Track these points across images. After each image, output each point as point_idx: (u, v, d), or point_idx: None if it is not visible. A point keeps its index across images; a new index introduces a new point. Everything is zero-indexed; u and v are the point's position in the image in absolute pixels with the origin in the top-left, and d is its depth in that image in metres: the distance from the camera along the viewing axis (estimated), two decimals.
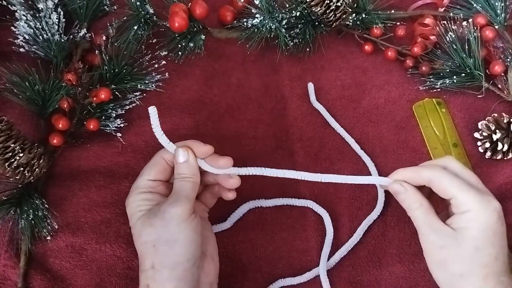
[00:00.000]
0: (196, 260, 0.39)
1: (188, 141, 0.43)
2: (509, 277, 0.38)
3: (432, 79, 0.55)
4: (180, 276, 0.38)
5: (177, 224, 0.38)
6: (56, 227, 0.48)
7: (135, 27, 0.54)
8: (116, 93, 0.52)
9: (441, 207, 0.43)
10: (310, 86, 0.55)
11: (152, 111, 0.41)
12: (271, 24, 0.54)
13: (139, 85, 0.53)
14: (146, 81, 0.53)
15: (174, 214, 0.38)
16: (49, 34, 0.51)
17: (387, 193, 0.50)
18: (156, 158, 0.43)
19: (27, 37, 0.51)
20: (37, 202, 0.47)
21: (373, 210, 0.50)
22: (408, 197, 0.41)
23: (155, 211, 0.39)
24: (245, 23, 0.56)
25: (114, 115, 0.52)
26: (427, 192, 0.43)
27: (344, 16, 0.54)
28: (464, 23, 0.54)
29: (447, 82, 0.54)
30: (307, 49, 0.57)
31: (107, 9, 0.57)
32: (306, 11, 0.55)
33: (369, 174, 0.51)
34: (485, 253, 0.38)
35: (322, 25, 0.56)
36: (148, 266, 0.39)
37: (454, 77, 0.54)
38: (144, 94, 0.54)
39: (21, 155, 0.43)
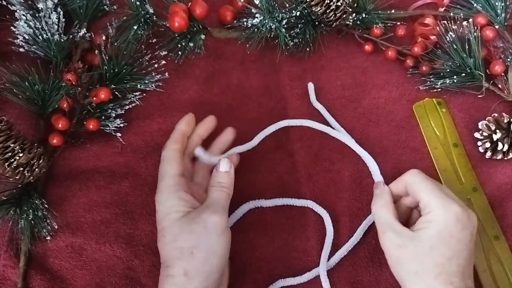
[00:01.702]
0: (224, 271, 0.41)
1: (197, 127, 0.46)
2: (461, 280, 0.38)
3: (432, 79, 0.55)
4: (210, 286, 0.39)
5: (218, 235, 0.39)
6: (56, 227, 0.48)
7: (135, 27, 0.54)
8: (116, 93, 0.52)
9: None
10: (310, 86, 0.55)
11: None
12: (271, 24, 0.54)
13: (139, 85, 0.53)
14: (146, 81, 0.53)
15: (217, 224, 0.39)
16: (49, 34, 0.51)
17: None
18: (169, 153, 0.44)
19: (26, 37, 0.52)
20: (36, 202, 0.47)
21: None
22: (379, 194, 0.44)
23: (195, 217, 0.39)
24: (245, 23, 0.56)
25: (113, 115, 0.52)
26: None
27: (344, 16, 0.54)
28: (465, 23, 0.54)
29: (448, 82, 0.54)
30: (307, 49, 0.57)
31: (107, 9, 0.57)
32: (306, 11, 0.55)
33: (369, 174, 0.51)
34: (439, 253, 0.39)
35: (322, 25, 0.56)
36: (179, 272, 0.38)
37: (455, 77, 0.54)
38: (144, 94, 0.54)
39: (20, 155, 0.43)
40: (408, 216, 0.46)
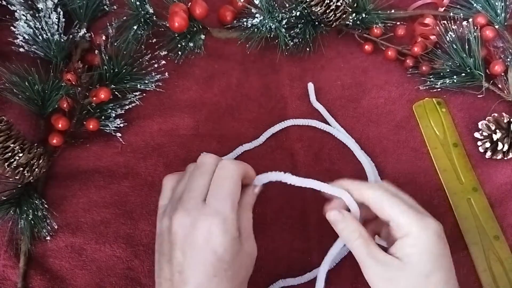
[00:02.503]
0: None
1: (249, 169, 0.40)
2: None
3: (432, 79, 0.55)
4: None
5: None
6: (56, 227, 0.48)
7: (135, 27, 0.54)
8: (116, 93, 0.52)
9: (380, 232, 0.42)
10: (310, 86, 0.55)
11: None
12: (271, 24, 0.54)
13: (138, 85, 0.53)
14: (146, 81, 0.53)
15: None
16: (49, 34, 0.51)
17: None
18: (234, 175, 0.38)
19: (26, 37, 0.52)
20: (36, 202, 0.47)
21: None
22: (347, 227, 0.39)
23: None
24: (245, 23, 0.56)
25: (113, 115, 0.52)
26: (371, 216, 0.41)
27: (344, 16, 0.54)
28: (464, 23, 0.54)
29: (447, 82, 0.54)
30: (307, 49, 0.57)
31: (107, 9, 0.57)
32: (306, 11, 0.55)
33: (366, 176, 0.51)
34: (436, 280, 0.36)
35: (322, 25, 0.56)
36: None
37: (454, 77, 0.54)
38: (144, 94, 0.54)
39: (20, 155, 0.43)
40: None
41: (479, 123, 0.53)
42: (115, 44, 0.53)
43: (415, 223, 0.37)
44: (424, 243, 0.36)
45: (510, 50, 0.54)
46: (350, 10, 0.55)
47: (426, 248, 0.36)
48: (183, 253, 0.35)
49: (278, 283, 0.46)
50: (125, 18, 0.54)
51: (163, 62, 0.55)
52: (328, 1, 0.52)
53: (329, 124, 0.54)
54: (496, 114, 0.52)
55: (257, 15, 0.54)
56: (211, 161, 0.38)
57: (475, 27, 0.53)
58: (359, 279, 0.47)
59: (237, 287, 0.37)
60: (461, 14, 0.57)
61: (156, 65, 0.54)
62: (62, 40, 0.52)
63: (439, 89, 0.55)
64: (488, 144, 0.51)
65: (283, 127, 0.53)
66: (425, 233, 0.36)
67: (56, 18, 0.51)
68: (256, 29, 0.55)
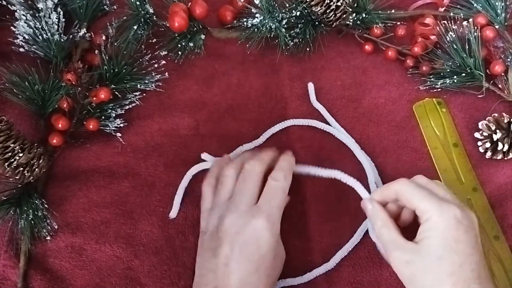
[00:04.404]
0: None
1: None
2: (480, 284, 0.37)
3: (432, 79, 0.55)
4: None
5: None
6: (56, 227, 0.48)
7: (135, 27, 0.54)
8: (116, 93, 0.52)
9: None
10: (310, 86, 0.55)
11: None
12: (271, 24, 0.54)
13: (138, 85, 0.53)
14: (146, 81, 0.53)
15: None
16: (49, 34, 0.51)
17: None
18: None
19: (26, 37, 0.52)
20: (36, 202, 0.47)
21: None
22: (374, 215, 0.43)
23: None
24: (245, 23, 0.56)
25: (113, 115, 0.52)
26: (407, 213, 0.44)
27: (344, 15, 0.54)
28: (465, 22, 0.54)
29: (448, 82, 0.54)
30: (307, 49, 0.57)
31: (107, 8, 0.57)
32: (306, 11, 0.55)
33: (366, 176, 0.51)
34: (449, 262, 0.37)
35: (322, 25, 0.56)
36: None
37: (455, 77, 0.54)
38: (144, 94, 0.54)
39: (20, 155, 0.43)
40: (400, 218, 0.45)
41: (479, 123, 0.53)
42: (115, 44, 0.53)
43: (434, 208, 0.39)
44: (440, 227, 0.38)
45: (510, 50, 0.54)
46: (350, 10, 0.55)
47: (442, 232, 0.38)
48: (231, 248, 0.40)
49: (278, 283, 0.46)
50: (125, 18, 0.54)
51: (163, 62, 0.55)
52: (328, 1, 0.52)
53: (329, 124, 0.54)
54: (496, 114, 0.52)
55: (257, 15, 0.54)
56: (259, 170, 0.44)
57: (475, 27, 0.53)
58: (359, 279, 0.47)
59: (272, 284, 0.42)
60: (462, 14, 0.57)
61: (156, 65, 0.54)
62: (62, 40, 0.52)
63: (439, 89, 0.55)
64: (488, 144, 0.51)
65: (283, 127, 0.53)
66: (443, 218, 0.38)
67: (56, 18, 0.51)
68: (256, 29, 0.55)
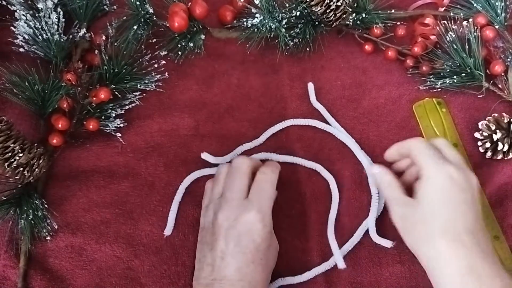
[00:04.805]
0: None
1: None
2: (472, 239, 0.38)
3: (432, 79, 0.55)
4: None
5: None
6: (56, 227, 0.48)
7: (135, 27, 0.54)
8: (116, 93, 0.52)
9: None
10: (310, 86, 0.55)
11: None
12: (271, 24, 0.54)
13: (138, 85, 0.53)
14: (146, 81, 0.53)
15: None
16: (49, 34, 0.51)
17: None
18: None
19: (26, 37, 0.51)
20: (36, 202, 0.47)
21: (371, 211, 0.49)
22: (381, 178, 0.45)
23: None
24: (245, 23, 0.56)
25: (113, 115, 0.52)
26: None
27: (344, 15, 0.54)
28: (465, 22, 0.54)
29: (448, 82, 0.54)
30: (307, 49, 0.57)
31: (107, 9, 0.57)
32: (306, 11, 0.55)
33: (366, 175, 0.51)
34: (441, 215, 0.39)
35: (322, 24, 0.56)
36: None
37: (455, 77, 0.54)
38: (144, 94, 0.54)
39: (20, 155, 0.43)
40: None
41: (479, 123, 0.53)
42: (115, 44, 0.52)
43: (432, 166, 0.41)
44: (435, 184, 0.40)
45: (510, 50, 0.54)
46: (350, 10, 0.55)
47: (436, 189, 0.40)
48: (226, 243, 0.41)
49: (277, 281, 0.46)
50: (125, 18, 0.54)
51: (163, 62, 0.55)
52: (328, 1, 0.52)
53: (329, 124, 0.54)
54: (496, 114, 0.52)
55: (257, 15, 0.54)
56: (248, 164, 0.45)
57: (475, 27, 0.53)
58: (359, 279, 0.47)
59: (267, 275, 0.43)
60: (461, 14, 0.57)
61: (156, 65, 0.54)
62: (62, 40, 0.52)
63: (439, 89, 0.55)
64: (488, 144, 0.51)
65: (283, 127, 0.53)
66: (439, 176, 0.40)
67: (56, 18, 0.51)
68: (256, 29, 0.55)
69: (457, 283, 0.38)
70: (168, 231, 0.48)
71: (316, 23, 0.56)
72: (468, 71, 0.53)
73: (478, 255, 0.38)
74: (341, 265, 0.46)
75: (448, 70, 0.54)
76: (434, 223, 0.40)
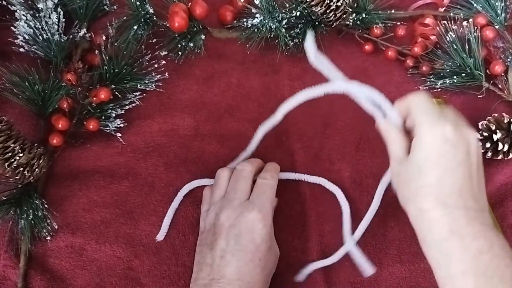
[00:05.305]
0: None
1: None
2: (457, 200, 0.37)
3: (432, 79, 0.55)
4: None
5: None
6: (56, 227, 0.48)
7: (135, 27, 0.54)
8: (116, 93, 0.52)
9: None
10: (309, 38, 0.44)
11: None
12: (271, 24, 0.54)
13: (139, 85, 0.53)
14: (146, 81, 0.53)
15: None
16: (49, 34, 0.51)
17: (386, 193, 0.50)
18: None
19: (27, 37, 0.51)
20: (37, 202, 0.47)
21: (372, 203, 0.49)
22: (386, 132, 0.43)
23: None
24: (245, 23, 0.56)
25: (114, 115, 0.52)
26: None
27: (344, 16, 0.54)
28: (465, 23, 0.54)
29: (448, 82, 0.54)
30: None
31: (107, 9, 0.57)
32: (306, 11, 0.55)
33: (369, 174, 0.51)
34: (427, 174, 0.38)
35: (322, 25, 0.56)
36: None
37: (455, 77, 0.54)
38: (144, 94, 0.54)
39: (21, 155, 0.43)
40: None
41: (479, 124, 0.53)
42: (115, 44, 0.53)
43: (426, 123, 0.38)
44: (426, 141, 0.38)
45: (510, 50, 0.54)
46: (350, 10, 0.55)
47: (426, 146, 0.38)
48: (227, 241, 0.42)
49: (310, 266, 0.47)
50: (125, 18, 0.54)
51: (163, 62, 0.55)
52: (328, 1, 0.52)
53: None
54: (496, 114, 0.52)
55: (257, 15, 0.54)
56: (250, 170, 0.47)
57: (475, 27, 0.53)
58: (359, 279, 0.47)
59: (265, 278, 0.43)
60: (461, 14, 0.57)
61: (156, 65, 0.54)
62: (62, 40, 0.52)
63: (439, 89, 0.55)
64: (488, 145, 0.51)
65: (296, 103, 0.48)
66: (431, 133, 0.38)
67: (56, 18, 0.51)
68: (256, 29, 0.55)
69: (439, 246, 0.37)
70: (160, 236, 0.48)
71: (316, 23, 0.56)
72: (468, 71, 0.53)
73: (462, 216, 0.36)
74: (370, 271, 0.46)
75: (448, 70, 0.54)
76: (420, 183, 0.38)
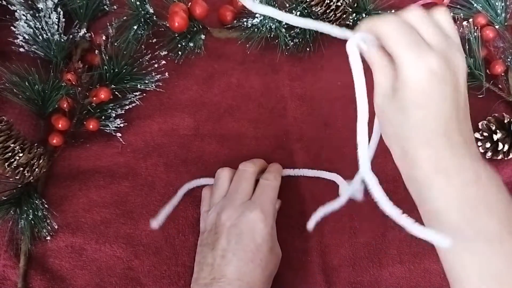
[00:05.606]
0: None
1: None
2: (442, 138, 0.34)
3: None
4: None
5: None
6: (56, 227, 0.48)
7: (135, 27, 0.53)
8: (116, 93, 0.52)
9: None
10: None
11: None
12: (271, 24, 0.54)
13: (139, 85, 0.53)
14: (146, 81, 0.53)
15: None
16: (49, 34, 0.51)
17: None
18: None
19: (27, 37, 0.51)
20: (37, 202, 0.47)
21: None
22: (373, 61, 0.37)
23: None
24: (245, 23, 0.56)
25: (113, 115, 0.52)
26: None
27: (344, 16, 0.54)
28: (465, 23, 0.54)
29: None
30: (307, 49, 0.57)
31: (107, 8, 0.57)
32: (306, 11, 0.55)
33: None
34: (410, 115, 0.34)
35: None
36: None
37: None
38: (144, 94, 0.54)
39: (21, 155, 0.43)
40: None
41: (480, 123, 0.53)
42: (115, 44, 0.53)
43: (408, 58, 0.33)
44: (409, 80, 0.33)
45: (510, 50, 0.54)
46: (350, 10, 0.55)
47: (410, 85, 0.33)
48: (228, 241, 0.42)
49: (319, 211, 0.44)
50: (125, 18, 0.54)
51: (163, 62, 0.55)
52: (328, 1, 0.52)
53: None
54: (496, 114, 0.52)
55: (257, 15, 0.54)
56: (252, 170, 0.47)
57: (475, 27, 0.53)
58: (359, 279, 0.47)
59: (266, 279, 0.43)
60: (461, 14, 0.57)
61: (156, 65, 0.54)
62: (62, 40, 0.52)
63: None
64: (488, 145, 0.51)
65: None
66: (415, 70, 0.33)
67: (56, 18, 0.51)
68: (256, 29, 0.55)
69: (423, 184, 0.35)
70: (155, 224, 0.47)
71: None
72: (468, 71, 0.53)
73: (447, 153, 0.34)
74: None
75: None
76: (404, 123, 0.35)
